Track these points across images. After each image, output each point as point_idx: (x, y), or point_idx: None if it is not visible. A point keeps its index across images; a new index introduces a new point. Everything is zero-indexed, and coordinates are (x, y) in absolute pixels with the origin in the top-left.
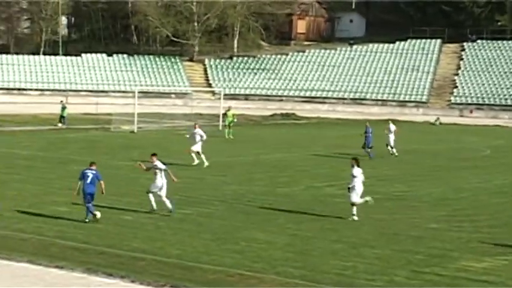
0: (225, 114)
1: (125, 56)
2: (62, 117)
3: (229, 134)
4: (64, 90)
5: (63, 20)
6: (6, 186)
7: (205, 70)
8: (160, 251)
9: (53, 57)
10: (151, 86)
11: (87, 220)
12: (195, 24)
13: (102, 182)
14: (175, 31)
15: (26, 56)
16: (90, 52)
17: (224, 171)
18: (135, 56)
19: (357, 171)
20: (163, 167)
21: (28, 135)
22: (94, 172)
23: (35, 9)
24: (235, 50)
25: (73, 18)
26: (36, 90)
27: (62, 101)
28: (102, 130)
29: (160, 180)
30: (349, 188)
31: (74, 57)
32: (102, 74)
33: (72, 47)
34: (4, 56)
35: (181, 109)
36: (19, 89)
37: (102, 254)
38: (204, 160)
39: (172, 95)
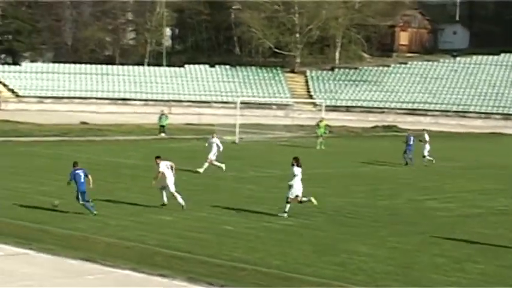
0: (317, 125)
1: (227, 67)
2: (161, 126)
3: (321, 145)
4: (167, 101)
5: (168, 31)
6: (111, 194)
7: (306, 81)
8: (260, 261)
9: (156, 68)
10: (252, 97)
11: (95, 213)
12: (297, 35)
13: (89, 176)
14: (278, 42)
15: (130, 67)
16: (193, 63)
17: (324, 183)
18: (238, 67)
19: (297, 170)
20: (168, 164)
21: (132, 145)
22: (83, 171)
23: (140, 20)
24: (337, 61)
25: (177, 30)
26: (140, 100)
27: (162, 111)
28: (204, 140)
29: (170, 178)
30: (289, 186)
31: (177, 68)
32: (205, 85)
33: (175, 58)
34: (110, 66)
35: (282, 120)
36: (124, 99)
37: (204, 263)
38: (221, 165)
39: (274, 106)
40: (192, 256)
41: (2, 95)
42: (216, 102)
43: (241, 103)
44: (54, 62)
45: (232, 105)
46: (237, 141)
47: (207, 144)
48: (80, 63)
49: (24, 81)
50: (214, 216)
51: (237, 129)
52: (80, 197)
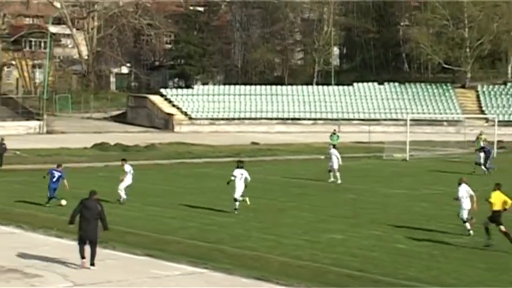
0: (476, 140)
1: (396, 84)
2: (332, 145)
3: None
4: (336, 119)
5: (335, 50)
6: (283, 213)
7: (477, 97)
8: (435, 280)
9: (325, 87)
10: (422, 114)
11: (48, 205)
12: (467, 50)
13: (65, 180)
14: (447, 58)
15: (299, 87)
16: (362, 81)
17: None
18: (407, 84)
19: (237, 171)
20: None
21: (302, 164)
22: (60, 173)
23: (308, 40)
24: (509, 75)
25: (345, 48)
26: (309, 119)
27: (334, 130)
28: (374, 158)
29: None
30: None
31: (345, 87)
32: (374, 103)
33: (344, 76)
34: (279, 87)
35: (453, 137)
36: (293, 119)
37: (377, 282)
38: (338, 178)
39: (445, 123)
40: (365, 275)
41: (175, 117)
42: (385, 119)
43: (411, 120)
44: (224, 84)
45: (401, 122)
46: (407, 158)
47: (323, 157)
48: (250, 84)
49: (196, 104)
50: (387, 234)
51: (407, 147)
52: (49, 191)
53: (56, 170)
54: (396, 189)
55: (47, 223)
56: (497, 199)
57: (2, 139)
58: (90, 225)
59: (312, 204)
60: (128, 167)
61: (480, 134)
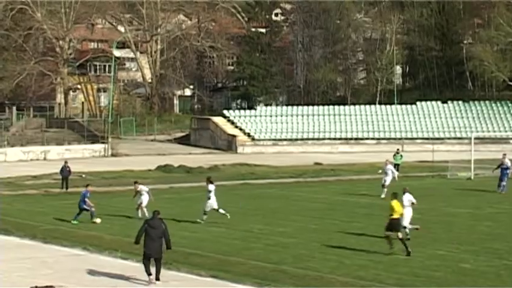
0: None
1: (460, 102)
2: (396, 164)
3: None
4: (400, 139)
5: (398, 69)
6: (347, 234)
7: None
8: None
9: (388, 106)
10: (487, 132)
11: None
12: None
13: (87, 199)
14: None
15: (362, 106)
16: (425, 100)
17: None
18: (471, 102)
19: (211, 187)
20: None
21: (365, 184)
22: (84, 192)
23: (371, 60)
24: None
25: (407, 67)
26: (372, 139)
27: (398, 149)
28: (438, 177)
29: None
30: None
31: (408, 106)
32: (437, 121)
33: (406, 95)
34: (342, 107)
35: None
36: (356, 139)
37: None
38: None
39: (510, 141)
40: None
41: (239, 139)
42: (449, 138)
43: (476, 138)
44: (287, 104)
45: (466, 141)
46: (472, 177)
47: (380, 171)
48: (312, 104)
49: (259, 125)
50: (451, 254)
51: (472, 165)
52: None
53: (84, 190)
54: (461, 208)
55: (112, 245)
56: (398, 208)
57: (66, 162)
58: (154, 244)
59: (375, 224)
60: (144, 188)
61: None
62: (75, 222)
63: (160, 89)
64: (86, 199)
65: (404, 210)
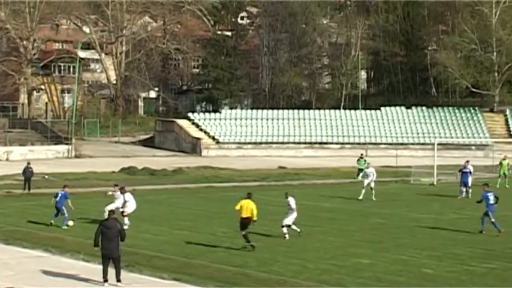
0: (500, 164)
1: (424, 108)
2: (360, 169)
3: (505, 184)
4: (364, 144)
5: (363, 74)
6: (310, 238)
7: (506, 121)
8: None
9: (352, 111)
10: (450, 138)
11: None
12: (496, 74)
13: (69, 201)
14: (475, 82)
15: (327, 111)
16: (389, 105)
17: None
18: (434, 108)
19: (129, 195)
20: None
21: (329, 188)
22: (63, 192)
23: (336, 64)
24: None
25: (372, 72)
26: (336, 143)
27: (361, 154)
28: (402, 182)
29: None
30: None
31: (373, 111)
32: (401, 127)
33: (371, 100)
34: (306, 111)
35: (481, 161)
36: (320, 143)
37: None
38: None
39: (473, 147)
40: None
41: (203, 141)
42: (413, 143)
43: (439, 144)
44: (252, 108)
45: (429, 146)
46: (435, 183)
47: (361, 175)
48: (277, 108)
49: (224, 128)
50: (414, 259)
51: (435, 171)
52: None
53: (62, 191)
54: (424, 213)
55: (74, 247)
56: (245, 207)
57: (29, 163)
58: (111, 243)
59: (339, 228)
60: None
61: (503, 159)
62: (65, 227)
63: (125, 91)
64: (68, 200)
65: (292, 214)
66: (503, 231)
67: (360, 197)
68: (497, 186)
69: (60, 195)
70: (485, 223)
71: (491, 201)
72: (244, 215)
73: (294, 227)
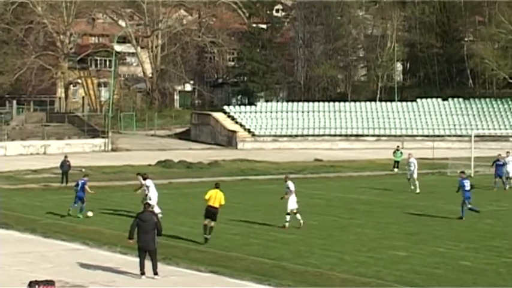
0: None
1: (460, 100)
2: (396, 161)
3: None
4: (400, 136)
5: (399, 66)
6: (347, 230)
7: None
8: None
9: (388, 103)
10: (487, 130)
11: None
12: None
13: (87, 186)
14: None
15: (362, 103)
16: (425, 97)
17: None
18: (471, 100)
19: (149, 182)
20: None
21: (365, 180)
22: (83, 181)
23: (372, 56)
24: None
25: (408, 64)
26: (372, 136)
27: (398, 146)
28: (438, 175)
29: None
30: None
31: (409, 103)
32: (438, 119)
33: (407, 92)
34: (342, 103)
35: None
36: (356, 135)
37: None
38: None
39: (510, 138)
40: None
41: (239, 134)
42: (449, 135)
43: (476, 136)
44: (287, 100)
45: (466, 138)
46: (472, 174)
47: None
48: (313, 101)
49: (259, 121)
50: (451, 251)
51: (472, 163)
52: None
53: (82, 180)
54: (459, 205)
55: (112, 239)
56: (214, 196)
57: (66, 156)
58: (147, 236)
59: (375, 221)
60: (149, 182)
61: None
62: (80, 216)
63: (160, 84)
64: (86, 187)
65: (291, 196)
66: (464, 218)
67: (417, 191)
68: None
69: (80, 184)
70: (464, 211)
71: (467, 188)
72: (212, 204)
73: (298, 216)
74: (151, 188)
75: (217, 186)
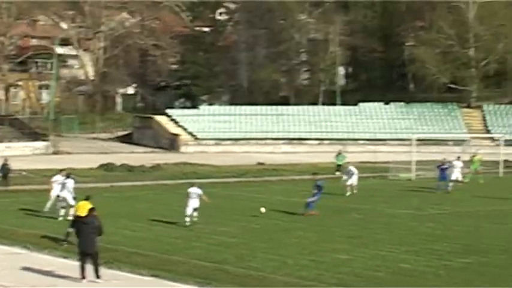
0: (471, 161)
1: (402, 104)
2: (338, 165)
3: (480, 180)
4: (342, 139)
5: (341, 70)
6: (289, 234)
7: (483, 116)
8: None
9: (331, 107)
10: (428, 134)
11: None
12: (473, 69)
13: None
14: (453, 77)
15: (305, 107)
16: (367, 101)
17: (505, 220)
18: (412, 104)
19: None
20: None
21: (308, 184)
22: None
23: (314, 60)
24: None
25: (350, 68)
26: (315, 139)
27: (340, 150)
28: (380, 178)
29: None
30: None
31: (351, 107)
32: (379, 122)
33: (349, 96)
34: (285, 107)
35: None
36: (299, 139)
37: None
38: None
39: (450, 142)
40: None
41: (181, 138)
42: (391, 139)
43: (417, 140)
44: (230, 104)
45: (407, 142)
46: (413, 178)
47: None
48: (256, 104)
49: (202, 124)
50: (392, 254)
51: (413, 166)
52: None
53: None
54: (402, 209)
55: (52, 244)
56: (82, 207)
57: (6, 160)
58: (87, 239)
59: (317, 224)
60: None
61: (474, 155)
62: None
63: (103, 87)
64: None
65: (191, 200)
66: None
67: (348, 193)
68: (466, 181)
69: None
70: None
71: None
72: (80, 214)
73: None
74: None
75: (87, 198)
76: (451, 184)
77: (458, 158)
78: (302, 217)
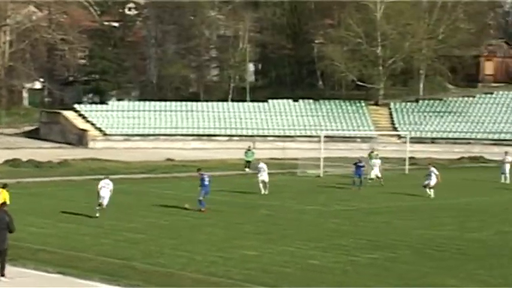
0: (368, 156)
1: (311, 101)
2: (247, 161)
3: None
4: (251, 136)
5: (251, 66)
6: (198, 230)
7: (390, 114)
8: None
9: (240, 103)
10: (336, 131)
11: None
12: (380, 68)
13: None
14: (361, 75)
15: (215, 103)
16: (277, 98)
17: (411, 215)
18: (321, 101)
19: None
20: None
21: (217, 180)
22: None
23: (224, 57)
24: (421, 92)
25: (260, 65)
26: (224, 136)
27: (249, 146)
28: (289, 175)
29: None
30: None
31: (260, 103)
32: (289, 119)
33: (258, 93)
34: (194, 103)
35: (366, 153)
36: (208, 135)
37: None
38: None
39: (358, 139)
40: None
41: (89, 133)
42: (300, 136)
43: (325, 137)
44: (139, 100)
45: (316, 139)
46: (321, 174)
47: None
48: (165, 100)
49: (111, 120)
50: (300, 250)
51: (321, 163)
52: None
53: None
54: (310, 205)
55: None
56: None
57: None
58: None
59: (226, 220)
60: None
61: (371, 152)
62: None
63: (8, 81)
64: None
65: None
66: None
67: (263, 192)
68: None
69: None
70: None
71: (206, 183)
72: None
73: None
74: None
75: (3, 186)
76: (369, 181)
77: (376, 155)
78: (210, 213)
